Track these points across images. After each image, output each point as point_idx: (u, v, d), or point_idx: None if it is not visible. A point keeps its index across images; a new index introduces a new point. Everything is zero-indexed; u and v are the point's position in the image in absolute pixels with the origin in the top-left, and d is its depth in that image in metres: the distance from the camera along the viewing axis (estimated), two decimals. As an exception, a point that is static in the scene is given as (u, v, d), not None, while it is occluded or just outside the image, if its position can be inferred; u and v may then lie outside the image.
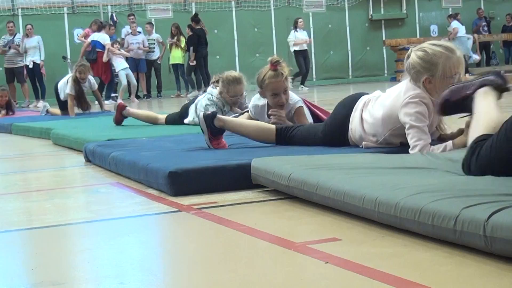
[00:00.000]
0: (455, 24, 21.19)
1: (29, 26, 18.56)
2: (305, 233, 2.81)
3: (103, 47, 18.06)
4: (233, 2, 22.67)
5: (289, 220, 3.06)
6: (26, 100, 18.56)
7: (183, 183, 3.73)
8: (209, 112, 4.61)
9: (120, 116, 7.68)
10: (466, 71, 20.58)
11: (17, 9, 20.53)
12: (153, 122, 7.58)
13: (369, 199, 2.74)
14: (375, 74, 23.94)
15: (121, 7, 21.30)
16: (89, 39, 18.38)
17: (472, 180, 2.89)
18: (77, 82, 10.53)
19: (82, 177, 5.02)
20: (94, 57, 17.85)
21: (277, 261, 2.36)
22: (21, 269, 2.56)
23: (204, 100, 6.68)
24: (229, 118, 4.80)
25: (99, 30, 18.32)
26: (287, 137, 4.56)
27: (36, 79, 18.45)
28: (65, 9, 20.96)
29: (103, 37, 18.07)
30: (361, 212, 2.80)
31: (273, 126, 4.65)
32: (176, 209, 3.40)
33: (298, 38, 20.36)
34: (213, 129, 4.54)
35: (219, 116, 4.58)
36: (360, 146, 4.25)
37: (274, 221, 3.10)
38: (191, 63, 19.06)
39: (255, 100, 5.44)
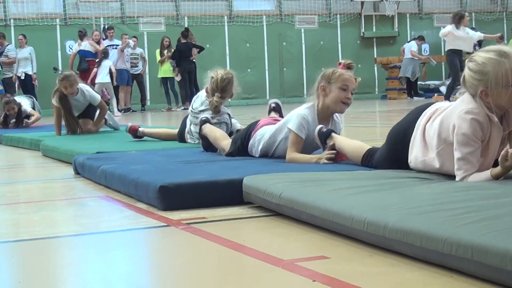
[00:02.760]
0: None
1: (20, 37, 18.54)
2: (293, 251, 2.81)
3: (93, 55, 18.12)
4: (225, 17, 22.72)
5: (277, 237, 3.06)
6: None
7: (173, 197, 3.73)
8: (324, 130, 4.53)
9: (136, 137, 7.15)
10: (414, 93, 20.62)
11: (10, 19, 20.51)
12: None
13: (357, 219, 2.73)
14: (366, 91, 23.99)
15: (114, 20, 21.31)
16: (74, 51, 18.46)
17: (460, 196, 2.91)
18: (63, 98, 8.50)
19: (71, 190, 5.01)
20: (86, 67, 17.94)
21: (265, 278, 2.36)
22: (9, 281, 2.55)
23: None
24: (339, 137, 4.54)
25: (81, 39, 18.37)
26: (368, 161, 4.23)
27: (28, 91, 18.39)
28: (57, 20, 20.95)
29: (83, 45, 18.15)
30: (350, 232, 2.80)
31: (365, 146, 4.35)
32: (165, 224, 3.40)
33: (458, 33, 14.96)
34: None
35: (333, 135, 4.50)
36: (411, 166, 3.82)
37: (262, 237, 3.10)
38: (176, 78, 19.14)
39: (303, 114, 4.72)
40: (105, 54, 17.84)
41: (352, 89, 4.78)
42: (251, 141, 5.00)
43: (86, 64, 18.06)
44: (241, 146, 5.07)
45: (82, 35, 18.54)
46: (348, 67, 4.79)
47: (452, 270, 2.28)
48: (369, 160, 4.20)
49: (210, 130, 5.47)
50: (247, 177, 3.74)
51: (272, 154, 4.87)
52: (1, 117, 11.49)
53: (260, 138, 4.94)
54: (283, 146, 4.76)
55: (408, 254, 2.47)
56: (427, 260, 2.38)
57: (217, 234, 3.08)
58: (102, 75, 17.60)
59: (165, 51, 19.37)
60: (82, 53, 18.19)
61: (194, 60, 19.13)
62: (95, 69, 17.65)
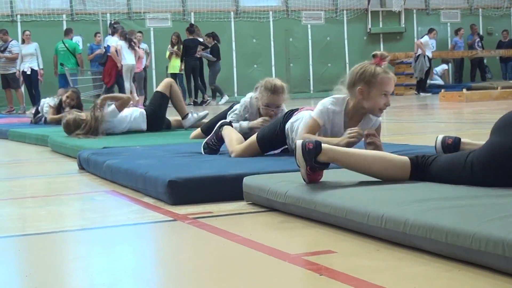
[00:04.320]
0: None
1: (27, 33, 18.56)
2: (300, 245, 2.81)
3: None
4: (232, 13, 22.71)
5: (284, 232, 3.06)
6: (21, 105, 18.56)
7: (182, 192, 3.73)
8: (311, 146, 3.23)
9: None
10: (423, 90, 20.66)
11: (16, 15, 20.54)
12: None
13: (374, 216, 2.67)
14: (373, 87, 23.96)
15: (120, 15, 21.33)
16: (115, 44, 18.66)
17: (479, 191, 2.86)
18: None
19: (77, 185, 5.01)
20: (104, 61, 18.05)
21: (272, 273, 2.36)
22: (15, 275, 2.55)
23: (238, 105, 5.92)
24: (341, 149, 3.35)
25: (112, 34, 18.54)
26: (423, 170, 3.24)
27: (31, 86, 18.43)
28: (64, 16, 20.98)
29: (111, 41, 18.29)
30: (365, 229, 2.74)
31: (405, 158, 3.30)
32: (172, 218, 3.40)
33: None
34: (315, 166, 3.27)
35: (326, 147, 3.28)
36: None
37: (269, 232, 3.09)
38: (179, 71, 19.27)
39: (328, 106, 4.36)
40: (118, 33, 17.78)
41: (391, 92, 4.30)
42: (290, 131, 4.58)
43: (106, 59, 18.18)
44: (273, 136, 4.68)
45: (114, 31, 18.70)
46: (383, 59, 4.25)
47: (461, 262, 2.27)
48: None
49: (229, 132, 5.03)
50: (247, 177, 3.69)
51: None
52: (55, 104, 10.13)
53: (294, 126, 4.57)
54: None
55: (431, 250, 2.41)
56: (453, 256, 2.32)
57: (223, 229, 3.08)
58: (128, 57, 17.57)
59: (175, 47, 19.35)
60: (109, 50, 18.36)
61: (198, 57, 19.17)
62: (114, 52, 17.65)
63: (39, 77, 18.31)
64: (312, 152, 3.22)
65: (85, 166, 5.35)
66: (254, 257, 2.61)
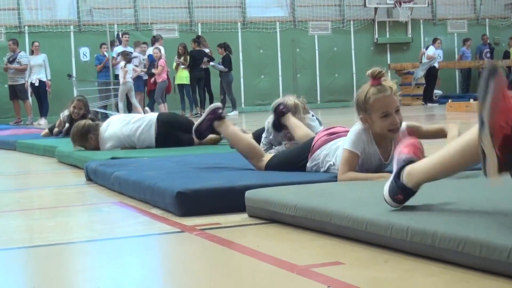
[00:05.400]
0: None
1: (36, 44, 18.63)
2: (308, 256, 2.80)
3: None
4: (239, 23, 22.74)
5: (292, 243, 3.05)
6: (29, 117, 18.59)
7: (191, 203, 3.72)
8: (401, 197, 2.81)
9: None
10: None
11: (24, 26, 20.61)
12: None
13: (398, 228, 2.58)
14: (380, 97, 23.93)
15: (127, 26, 21.37)
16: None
17: (500, 197, 2.80)
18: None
19: (85, 196, 5.01)
20: (151, 71, 18.31)
21: (280, 284, 2.35)
22: (23, 287, 2.55)
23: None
24: (424, 169, 2.77)
25: (153, 44, 18.72)
26: None
27: (40, 97, 18.48)
28: (71, 27, 21.04)
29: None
30: (388, 242, 2.65)
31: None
32: (179, 230, 3.40)
33: None
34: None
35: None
36: None
37: (277, 243, 3.09)
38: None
39: (358, 130, 4.04)
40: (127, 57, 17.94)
41: (396, 107, 3.99)
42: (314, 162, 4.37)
43: (151, 68, 18.42)
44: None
45: (154, 40, 18.93)
46: (379, 77, 3.94)
47: (469, 274, 2.26)
48: None
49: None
50: (249, 191, 3.64)
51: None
52: (66, 119, 9.57)
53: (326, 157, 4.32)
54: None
55: (463, 264, 2.33)
56: (488, 269, 2.24)
57: (231, 240, 3.08)
58: (128, 77, 17.83)
59: (182, 58, 19.39)
60: (152, 58, 18.49)
61: (204, 68, 19.22)
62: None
63: (47, 88, 18.37)
64: (401, 202, 2.83)
65: (92, 177, 5.36)
66: (262, 269, 2.60)
